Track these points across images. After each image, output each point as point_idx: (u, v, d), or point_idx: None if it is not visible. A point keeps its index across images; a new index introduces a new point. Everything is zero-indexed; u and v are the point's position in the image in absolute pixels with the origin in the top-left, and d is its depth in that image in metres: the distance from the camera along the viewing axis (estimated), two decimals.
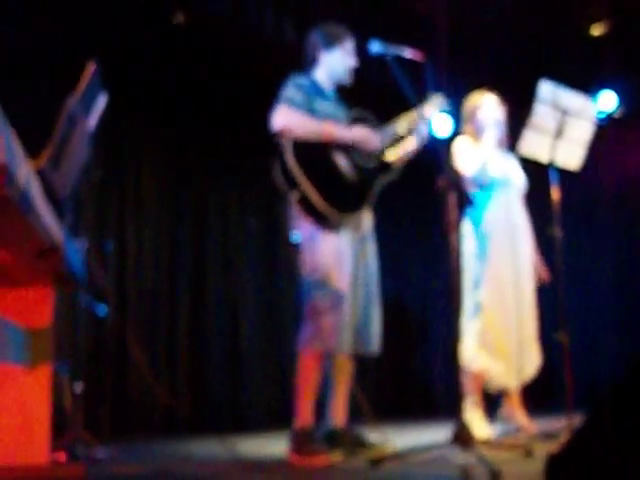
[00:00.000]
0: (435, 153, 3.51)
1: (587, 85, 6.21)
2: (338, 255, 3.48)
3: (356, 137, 3.60)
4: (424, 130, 3.75)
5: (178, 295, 5.90)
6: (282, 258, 6.34)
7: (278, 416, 5.75)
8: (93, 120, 2.68)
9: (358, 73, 3.84)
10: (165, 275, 5.87)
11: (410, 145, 3.83)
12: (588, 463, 1.88)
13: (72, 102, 2.45)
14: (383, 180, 3.69)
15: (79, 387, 3.89)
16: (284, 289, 6.35)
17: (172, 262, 5.93)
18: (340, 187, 3.53)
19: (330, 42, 3.74)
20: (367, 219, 3.72)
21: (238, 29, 5.68)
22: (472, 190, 4.48)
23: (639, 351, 1.97)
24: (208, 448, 4.32)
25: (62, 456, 3.45)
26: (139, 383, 5.28)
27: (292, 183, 3.44)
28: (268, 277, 6.42)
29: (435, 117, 3.87)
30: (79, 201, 5.18)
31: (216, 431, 4.98)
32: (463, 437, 3.04)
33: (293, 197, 3.47)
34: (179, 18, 5.59)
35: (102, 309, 4.38)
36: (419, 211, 7.28)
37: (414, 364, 7.45)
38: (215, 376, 5.98)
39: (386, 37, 3.71)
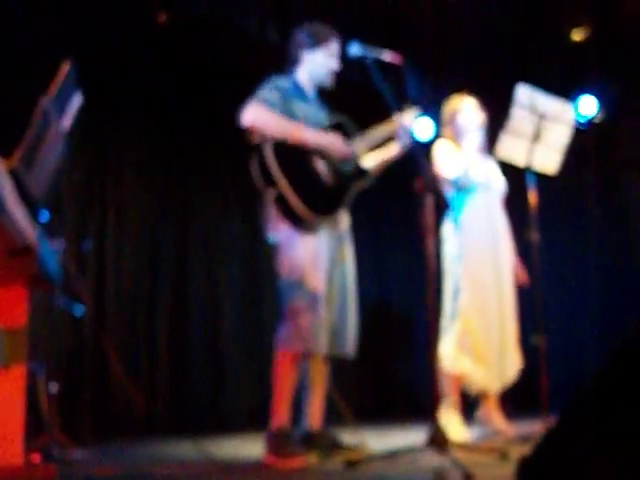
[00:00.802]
0: (414, 156, 3.52)
1: (568, 90, 6.25)
2: (314, 256, 3.47)
3: (325, 143, 3.57)
4: (405, 138, 3.75)
5: (159, 295, 5.87)
6: (264, 259, 6.32)
7: (259, 418, 5.73)
8: (67, 120, 2.67)
9: (341, 75, 3.83)
10: (146, 275, 5.84)
11: (389, 152, 3.85)
12: (559, 465, 1.88)
13: (46, 102, 2.44)
14: (360, 185, 3.69)
15: (54, 388, 3.87)
16: (266, 290, 6.33)
17: (153, 262, 5.91)
18: (316, 189, 3.52)
19: (314, 42, 3.71)
20: (344, 220, 3.72)
21: (221, 29, 5.67)
22: (452, 193, 4.49)
23: (610, 354, 1.96)
24: (186, 450, 4.31)
25: (37, 457, 3.43)
26: (119, 385, 5.26)
27: (269, 181, 3.43)
28: (250, 278, 6.40)
29: (416, 122, 3.87)
30: (59, 201, 5.17)
31: (196, 433, 4.97)
32: (438, 440, 3.05)
33: (269, 195, 3.46)
34: (161, 18, 5.58)
35: (79, 309, 4.35)
36: (402, 212, 7.26)
37: (397, 366, 7.44)
38: (196, 378, 5.96)
39: (369, 39, 3.70)
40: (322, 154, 3.57)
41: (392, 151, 3.86)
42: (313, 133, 3.56)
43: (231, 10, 5.49)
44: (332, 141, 3.59)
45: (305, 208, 3.41)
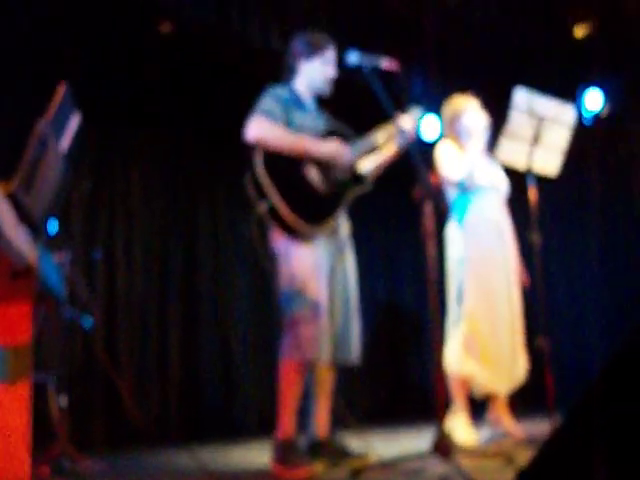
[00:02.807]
0: (412, 162, 3.51)
1: (572, 86, 6.23)
2: (313, 265, 3.48)
3: (327, 153, 3.58)
4: (402, 140, 3.75)
5: (169, 304, 5.91)
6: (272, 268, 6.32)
7: (271, 425, 5.76)
8: (66, 141, 2.69)
9: (342, 82, 3.83)
10: (155, 284, 5.88)
11: (386, 155, 3.84)
12: (557, 476, 1.88)
13: (42, 125, 2.47)
14: (356, 191, 3.68)
15: (64, 400, 3.90)
16: (275, 298, 6.33)
17: (162, 270, 5.94)
18: (308, 199, 3.51)
19: (310, 51, 3.72)
20: (344, 227, 3.73)
21: (224, 37, 5.67)
22: (455, 195, 4.48)
23: (611, 356, 1.94)
24: (194, 461, 4.32)
25: (46, 470, 3.47)
26: (129, 402, 5.28)
27: (261, 193, 3.43)
28: (259, 286, 6.40)
29: (419, 123, 3.87)
30: (67, 212, 5.21)
31: (207, 442, 4.99)
32: (442, 446, 3.06)
33: (261, 207, 3.45)
34: (166, 27, 5.60)
35: (87, 322, 4.38)
36: (411, 215, 7.26)
37: (409, 369, 7.45)
38: (207, 386, 5.99)
39: (371, 42, 3.69)
40: (319, 163, 3.57)
41: (389, 153, 3.84)
42: (316, 144, 3.57)
43: (234, 19, 5.49)
44: (335, 152, 3.59)
45: (297, 218, 3.41)
